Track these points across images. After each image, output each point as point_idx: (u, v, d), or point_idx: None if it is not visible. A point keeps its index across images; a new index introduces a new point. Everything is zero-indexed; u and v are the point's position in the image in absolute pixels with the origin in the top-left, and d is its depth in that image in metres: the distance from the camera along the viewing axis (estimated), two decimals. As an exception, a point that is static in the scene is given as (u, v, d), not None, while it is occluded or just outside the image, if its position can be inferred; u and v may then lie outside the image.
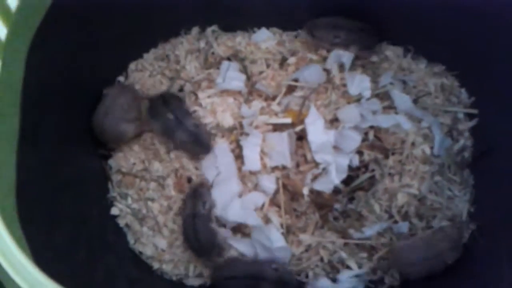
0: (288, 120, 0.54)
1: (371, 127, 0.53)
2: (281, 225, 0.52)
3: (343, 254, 0.51)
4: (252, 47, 0.58)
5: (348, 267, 0.51)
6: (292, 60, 0.57)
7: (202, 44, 0.59)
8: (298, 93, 0.55)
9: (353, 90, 0.54)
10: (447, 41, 0.54)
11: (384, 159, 0.52)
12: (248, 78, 0.56)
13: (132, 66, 0.59)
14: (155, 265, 0.53)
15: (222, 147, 0.53)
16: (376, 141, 0.53)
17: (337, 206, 0.52)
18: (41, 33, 0.41)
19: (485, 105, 0.55)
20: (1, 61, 0.35)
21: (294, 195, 0.53)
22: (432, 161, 0.52)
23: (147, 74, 0.58)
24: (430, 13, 0.52)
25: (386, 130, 0.53)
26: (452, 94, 0.57)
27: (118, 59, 0.57)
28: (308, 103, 0.54)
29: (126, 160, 0.55)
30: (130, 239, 0.54)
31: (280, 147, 0.52)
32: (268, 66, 0.58)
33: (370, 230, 0.51)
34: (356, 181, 0.52)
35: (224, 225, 0.52)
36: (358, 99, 0.54)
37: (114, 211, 0.54)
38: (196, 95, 0.56)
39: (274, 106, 0.55)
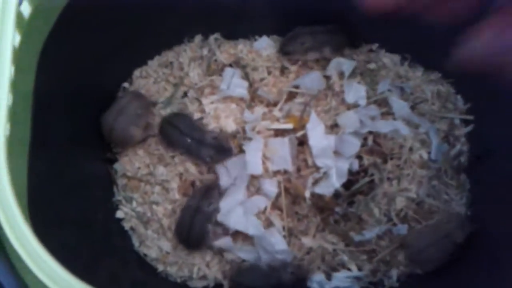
0: (289, 125, 0.55)
1: (370, 132, 0.54)
2: (283, 228, 0.53)
3: (344, 257, 0.53)
4: (253, 55, 0.60)
5: (349, 270, 0.53)
6: (293, 68, 0.59)
7: (205, 51, 0.60)
8: (299, 100, 0.57)
9: (349, 98, 0.56)
10: (443, 49, 0.56)
11: (383, 164, 0.54)
12: (250, 84, 0.58)
13: (136, 72, 0.60)
14: (160, 267, 0.54)
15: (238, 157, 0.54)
16: (375, 146, 0.54)
17: (337, 209, 0.53)
18: (51, 39, 0.42)
19: (481, 111, 0.56)
20: (15, 68, 0.36)
21: (295, 199, 0.54)
22: (429, 166, 0.54)
23: (151, 81, 0.60)
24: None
25: (385, 136, 0.54)
26: (448, 100, 0.59)
27: (124, 66, 0.59)
28: (309, 109, 0.55)
29: (131, 164, 0.56)
30: (135, 242, 0.55)
31: (282, 151, 0.53)
32: (269, 73, 0.59)
33: (370, 233, 0.52)
34: (356, 185, 0.53)
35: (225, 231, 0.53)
36: (355, 106, 0.56)
37: (119, 214, 0.55)
38: (199, 101, 0.57)
39: (276, 112, 0.56)
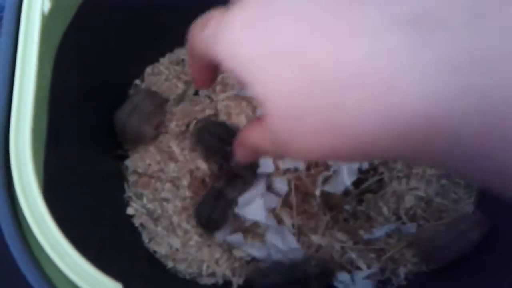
0: (300, 124, 0.55)
1: (381, 131, 0.54)
2: (293, 226, 0.53)
3: (353, 255, 0.53)
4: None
5: (358, 268, 0.53)
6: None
7: (215, 49, 0.61)
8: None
9: None
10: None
11: (392, 163, 0.54)
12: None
13: (148, 70, 0.60)
14: (169, 264, 0.55)
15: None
16: (385, 145, 0.55)
17: (347, 207, 0.53)
18: (67, 36, 0.43)
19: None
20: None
21: (305, 197, 0.54)
22: (438, 165, 0.54)
23: (163, 78, 0.60)
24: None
25: (395, 135, 0.55)
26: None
27: (136, 63, 0.59)
28: (320, 108, 0.56)
29: (142, 161, 0.56)
30: (145, 238, 0.55)
31: (293, 150, 0.53)
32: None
33: (379, 231, 0.53)
34: (366, 184, 0.54)
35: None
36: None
37: (129, 211, 0.56)
38: (210, 98, 0.58)
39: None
